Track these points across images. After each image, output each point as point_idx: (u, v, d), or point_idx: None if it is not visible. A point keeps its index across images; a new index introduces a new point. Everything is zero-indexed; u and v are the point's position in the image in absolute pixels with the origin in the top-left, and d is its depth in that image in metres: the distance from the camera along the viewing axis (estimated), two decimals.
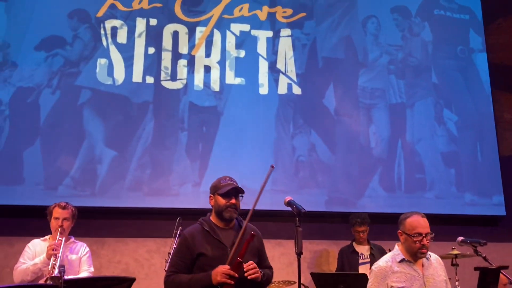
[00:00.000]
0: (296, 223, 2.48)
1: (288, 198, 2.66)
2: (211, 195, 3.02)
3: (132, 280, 3.22)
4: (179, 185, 5.15)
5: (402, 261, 3.04)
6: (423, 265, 3.06)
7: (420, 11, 6.02)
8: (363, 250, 4.89)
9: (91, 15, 5.38)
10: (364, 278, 4.09)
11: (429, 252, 3.10)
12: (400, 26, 5.94)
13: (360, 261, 4.82)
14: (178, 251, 2.97)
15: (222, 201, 2.92)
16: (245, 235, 2.76)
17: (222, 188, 2.94)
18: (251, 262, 2.74)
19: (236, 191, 2.95)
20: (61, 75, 5.20)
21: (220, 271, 2.68)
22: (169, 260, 2.91)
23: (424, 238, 2.96)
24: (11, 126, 5.01)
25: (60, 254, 3.50)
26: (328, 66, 5.70)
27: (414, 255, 3.02)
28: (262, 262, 2.98)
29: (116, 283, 2.95)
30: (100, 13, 5.39)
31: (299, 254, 2.40)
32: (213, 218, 3.03)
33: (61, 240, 3.61)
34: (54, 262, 3.43)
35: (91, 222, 4.90)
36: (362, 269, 4.76)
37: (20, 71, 5.14)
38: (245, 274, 2.67)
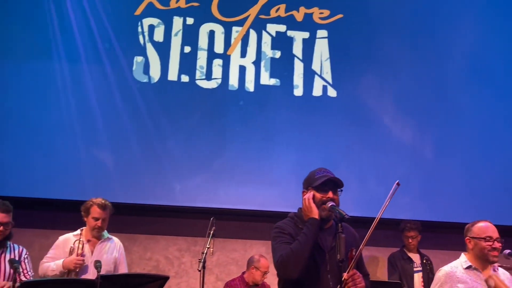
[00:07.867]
0: (339, 229, 2.37)
1: (330, 204, 2.53)
2: (304, 190, 2.63)
3: (166, 279, 3.21)
4: (211, 183, 5.14)
5: (468, 267, 2.98)
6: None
7: None
8: (415, 258, 4.76)
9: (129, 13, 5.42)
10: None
11: (497, 265, 3.03)
12: None
13: (414, 269, 4.69)
14: (281, 237, 2.51)
15: (317, 196, 2.52)
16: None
17: (317, 180, 2.53)
18: (354, 271, 2.32)
19: (334, 185, 2.53)
20: None
21: None
22: (275, 250, 2.51)
23: (495, 241, 2.94)
24: None
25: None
26: (364, 68, 5.59)
27: (485, 259, 2.94)
28: (360, 268, 2.54)
29: (150, 280, 2.95)
30: (138, 11, 5.43)
31: (340, 261, 2.29)
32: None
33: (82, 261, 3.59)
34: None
35: (123, 219, 4.91)
36: (416, 277, 4.66)
37: None
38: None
